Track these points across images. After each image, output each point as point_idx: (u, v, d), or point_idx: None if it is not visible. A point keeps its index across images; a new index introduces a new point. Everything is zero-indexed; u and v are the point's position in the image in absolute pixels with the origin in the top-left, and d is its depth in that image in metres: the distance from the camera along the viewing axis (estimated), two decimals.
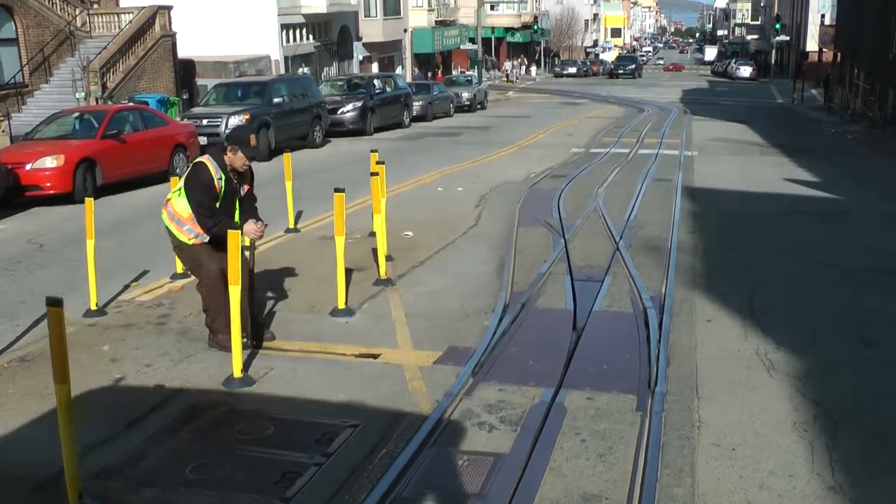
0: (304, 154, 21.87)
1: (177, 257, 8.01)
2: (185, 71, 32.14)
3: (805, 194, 14.97)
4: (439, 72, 38.59)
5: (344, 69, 38.49)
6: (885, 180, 17.74)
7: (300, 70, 34.51)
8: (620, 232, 11.00)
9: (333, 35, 37.62)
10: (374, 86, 28.24)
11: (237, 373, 6.17)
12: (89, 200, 8.29)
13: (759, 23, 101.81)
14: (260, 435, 5.38)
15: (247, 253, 6.40)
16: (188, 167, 6.68)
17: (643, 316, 7.60)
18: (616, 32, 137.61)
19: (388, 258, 9.61)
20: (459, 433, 5.34)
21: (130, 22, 28.09)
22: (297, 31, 34.86)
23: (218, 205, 6.51)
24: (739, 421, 5.50)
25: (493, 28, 64.23)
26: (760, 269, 9.30)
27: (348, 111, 26.46)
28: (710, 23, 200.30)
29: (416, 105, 32.10)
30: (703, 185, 15.70)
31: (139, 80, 27.72)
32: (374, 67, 42.01)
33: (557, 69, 75.13)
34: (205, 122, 20.45)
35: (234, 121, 20.32)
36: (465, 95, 38.28)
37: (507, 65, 56.19)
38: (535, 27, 68.98)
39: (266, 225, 6.83)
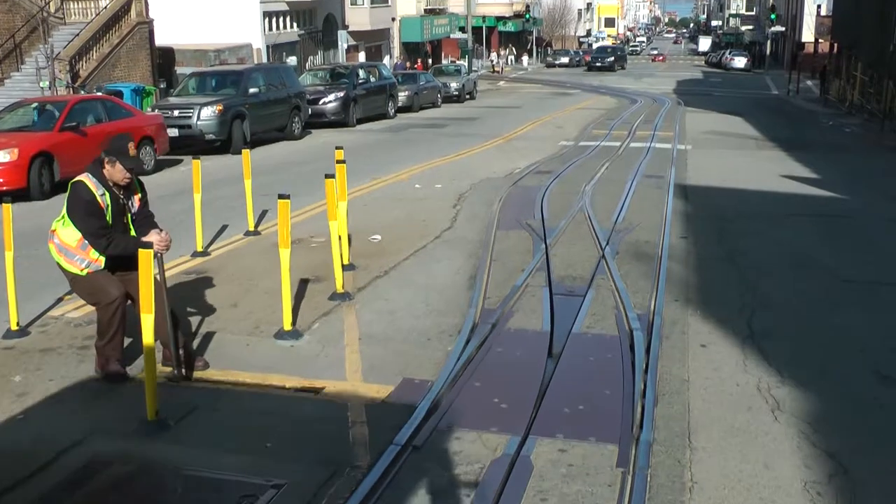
0: (280, 147, 20.93)
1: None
2: (165, 59, 31.15)
3: (805, 193, 14.09)
4: (420, 61, 37.45)
5: (329, 58, 37.49)
6: (886, 178, 16.87)
7: (287, 59, 33.51)
8: (607, 236, 10.11)
9: (318, 23, 36.59)
10: (358, 75, 27.26)
11: (151, 415, 5.26)
12: (6, 206, 7.35)
13: (753, 13, 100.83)
14: (164, 499, 4.48)
15: (155, 270, 5.48)
16: (69, 189, 5.78)
17: (629, 339, 6.71)
18: (610, 22, 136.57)
19: (350, 267, 8.71)
20: (404, 497, 4.44)
21: (105, 8, 27.05)
22: (281, 19, 33.83)
23: (108, 223, 5.66)
24: (738, 480, 4.62)
25: (484, 17, 63.17)
26: (760, 283, 8.39)
27: (330, 102, 25.50)
28: (704, 13, 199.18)
29: (402, 95, 31.14)
30: (696, 182, 14.80)
31: (114, 68, 26.71)
32: (361, 56, 41.00)
33: (550, 59, 74.12)
34: (176, 112, 19.48)
35: (207, 112, 19.38)
36: (454, 85, 37.31)
37: (493, 55, 53.86)
38: (527, 16, 67.95)
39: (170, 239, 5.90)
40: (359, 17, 39.27)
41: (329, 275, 8.33)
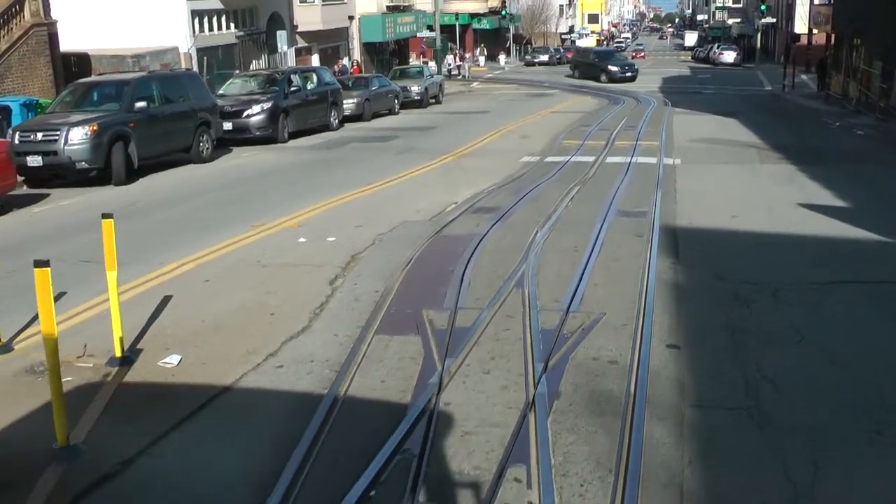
0: (178, 174, 17.06)
1: None
2: (79, 67, 27.23)
3: (840, 236, 10.26)
4: (355, 62, 33.23)
5: (277, 63, 33.59)
6: None
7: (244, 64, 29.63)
8: (548, 349, 6.19)
9: (261, 23, 32.70)
10: (290, 82, 23.35)
11: None
12: None
13: (741, 5, 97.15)
14: None
15: None
16: None
17: None
18: (593, 18, 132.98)
19: (64, 454, 4.80)
20: None
21: None
22: (214, 19, 29.93)
23: None
24: None
25: (457, 14, 59.32)
26: (824, 480, 4.49)
27: (254, 114, 21.64)
28: (689, 8, 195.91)
29: (350, 103, 27.30)
30: (690, 221, 10.99)
31: (3, 78, 22.77)
32: (315, 60, 37.16)
33: (528, 57, 70.24)
34: (40, 136, 15.59)
35: (78, 134, 15.51)
36: (415, 89, 33.51)
37: (449, 58, 47.31)
38: (504, 12, 64.17)
39: None
40: (309, 16, 35.39)
41: (24, 470, 4.44)
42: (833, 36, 39.07)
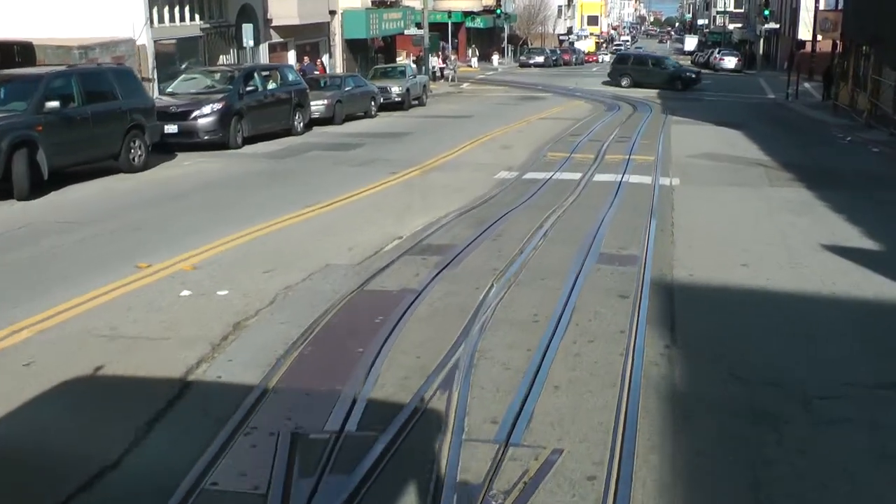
0: (99, 185, 14.73)
1: None
2: (23, 57, 24.83)
3: (883, 297, 7.95)
4: (319, 62, 30.60)
5: (248, 58, 31.20)
6: None
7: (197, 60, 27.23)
8: None
9: (230, 15, 30.30)
10: (247, 81, 20.99)
11: None
12: None
13: (742, 10, 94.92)
14: None
15: None
16: None
17: None
18: (593, 20, 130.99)
19: None
20: None
21: None
22: (176, 9, 27.53)
23: None
24: None
25: (449, 12, 57.00)
26: None
27: (203, 116, 19.28)
28: (689, 12, 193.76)
29: (319, 105, 24.98)
30: (690, 272, 8.68)
31: None
32: (291, 57, 34.80)
33: (523, 58, 67.83)
34: None
35: None
36: (395, 90, 31.19)
37: (433, 59, 43.84)
38: (499, 11, 61.83)
39: None
40: (285, 9, 32.96)
41: None
42: (840, 43, 36.84)
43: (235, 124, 19.88)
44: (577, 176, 15.44)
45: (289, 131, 22.44)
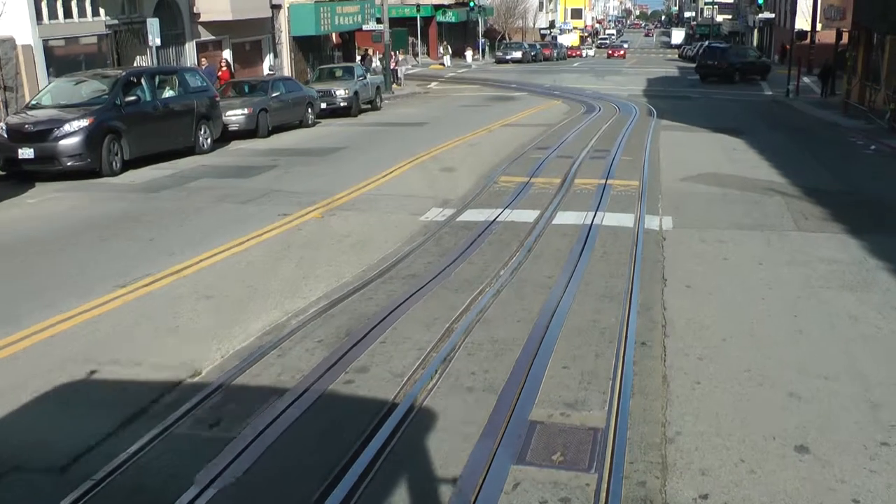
0: None
1: None
2: None
3: None
4: (224, 62, 25.79)
5: (170, 58, 26.90)
6: None
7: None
8: None
9: (146, 9, 25.92)
10: (126, 90, 16.72)
11: None
12: None
13: (731, 1, 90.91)
14: None
15: None
16: None
17: None
18: (577, 14, 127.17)
19: None
20: None
21: None
22: (73, 3, 23.19)
23: None
24: None
25: (418, 5, 52.76)
26: None
27: (65, 136, 15.07)
28: (675, 5, 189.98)
29: (237, 115, 20.79)
30: (701, 469, 4.52)
31: None
32: (226, 57, 30.52)
33: (499, 54, 63.54)
34: None
35: None
36: (340, 94, 27.01)
37: (375, 60, 39.13)
38: (472, 3, 57.58)
39: None
40: (215, 3, 28.68)
41: None
42: (847, 33, 32.84)
43: (110, 145, 15.67)
44: (533, 216, 11.29)
45: (192, 150, 18.24)
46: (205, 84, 19.45)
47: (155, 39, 22.12)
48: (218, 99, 19.91)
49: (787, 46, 51.71)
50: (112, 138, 15.74)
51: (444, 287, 7.92)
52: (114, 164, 15.71)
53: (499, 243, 9.82)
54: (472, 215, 11.44)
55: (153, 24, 21.99)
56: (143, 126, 16.67)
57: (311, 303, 7.44)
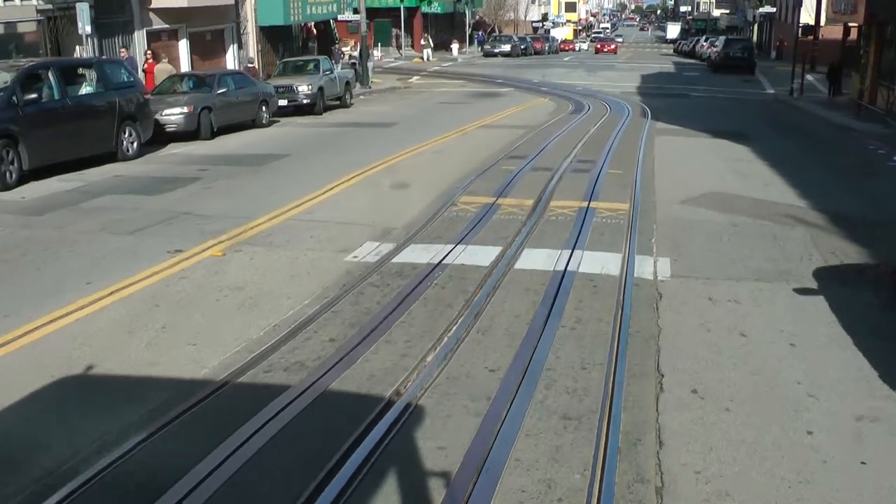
0: None
1: None
2: None
3: None
4: (147, 54, 23.03)
5: (115, 49, 24.24)
6: None
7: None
8: None
9: None
10: (39, 83, 14.12)
11: None
12: None
13: None
14: None
15: None
16: None
17: None
18: (571, 7, 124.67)
19: None
20: None
21: None
22: None
23: None
24: None
25: None
26: None
27: None
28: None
29: (175, 115, 18.23)
30: None
31: None
32: (182, 48, 27.96)
33: (487, 47, 60.87)
34: None
35: None
36: (303, 90, 24.41)
37: (345, 49, 36.08)
38: None
39: None
40: None
41: None
42: (857, 28, 30.40)
43: (2, 153, 13.09)
44: (491, 257, 8.80)
45: (115, 155, 15.69)
46: (131, 79, 16.86)
47: (85, 27, 19.50)
48: (148, 96, 17.32)
49: (785, 42, 49.36)
50: (5, 144, 13.18)
51: (328, 398, 5.38)
52: (7, 175, 13.15)
53: (437, 302, 7.32)
54: (413, 254, 8.93)
55: (83, 10, 19.36)
56: (48, 129, 14.09)
57: (116, 432, 4.91)
